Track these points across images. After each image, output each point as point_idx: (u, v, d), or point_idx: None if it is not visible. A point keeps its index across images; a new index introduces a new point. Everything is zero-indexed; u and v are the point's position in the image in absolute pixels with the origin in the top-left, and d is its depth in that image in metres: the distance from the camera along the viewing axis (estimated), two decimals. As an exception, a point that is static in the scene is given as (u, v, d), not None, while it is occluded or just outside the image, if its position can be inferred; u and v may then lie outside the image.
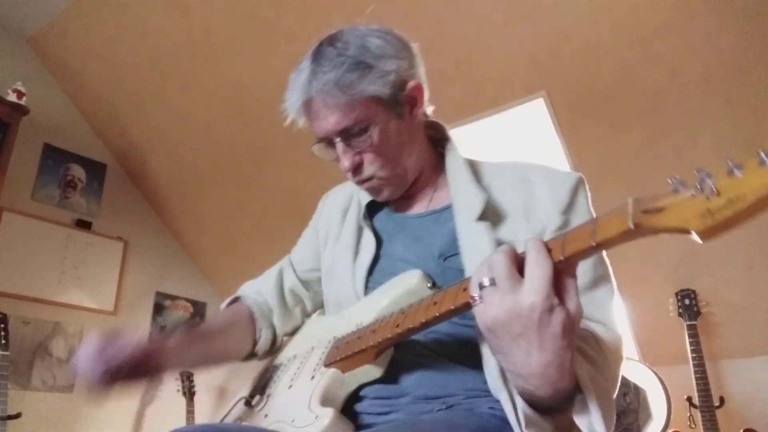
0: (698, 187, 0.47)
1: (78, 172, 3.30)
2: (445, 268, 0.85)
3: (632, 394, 2.53)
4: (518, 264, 0.58)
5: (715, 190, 0.45)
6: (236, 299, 1.09)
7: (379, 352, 0.81)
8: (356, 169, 0.89)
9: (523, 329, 0.55)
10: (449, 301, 0.68)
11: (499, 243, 0.81)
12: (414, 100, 0.91)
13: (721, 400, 2.38)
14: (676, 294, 2.53)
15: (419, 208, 0.97)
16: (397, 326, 0.74)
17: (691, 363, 2.40)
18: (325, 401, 0.78)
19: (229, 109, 2.97)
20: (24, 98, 2.83)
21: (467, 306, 0.65)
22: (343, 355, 0.81)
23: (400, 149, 0.90)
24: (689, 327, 2.46)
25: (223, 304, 1.09)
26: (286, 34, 2.55)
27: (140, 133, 3.32)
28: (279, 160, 3.06)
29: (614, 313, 0.79)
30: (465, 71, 2.40)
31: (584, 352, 0.68)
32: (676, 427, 2.41)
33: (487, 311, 0.57)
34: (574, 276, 0.58)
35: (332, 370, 0.81)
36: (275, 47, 2.61)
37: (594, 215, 0.82)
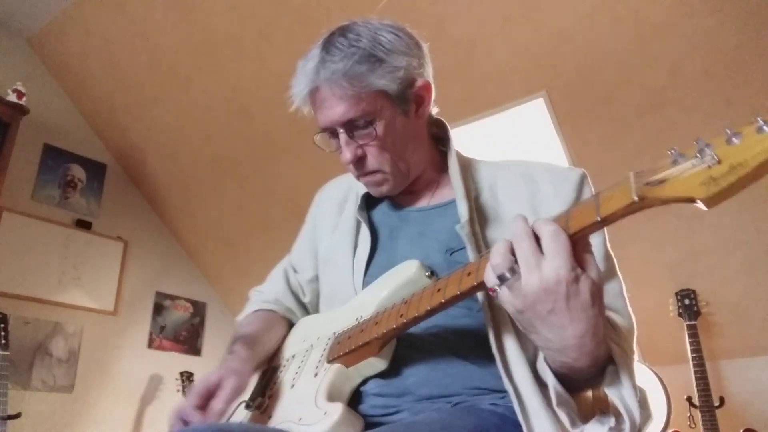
0: (698, 156, 0.48)
1: (78, 172, 3.30)
2: (451, 262, 0.84)
3: (632, 394, 2.53)
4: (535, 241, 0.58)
5: (716, 158, 0.46)
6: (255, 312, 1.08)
7: (383, 344, 0.80)
8: (358, 162, 0.88)
9: (553, 304, 0.56)
10: (454, 287, 0.68)
11: None
12: (422, 99, 0.91)
13: (721, 400, 2.38)
14: (676, 294, 2.53)
15: (421, 202, 0.97)
16: (401, 315, 0.74)
17: (691, 363, 2.39)
18: (331, 397, 0.77)
19: (229, 109, 2.97)
20: (24, 98, 2.83)
21: (473, 290, 0.66)
22: (347, 349, 0.80)
23: (404, 145, 0.90)
24: (689, 327, 2.45)
25: (243, 315, 1.07)
26: (286, 34, 2.55)
27: (140, 133, 3.32)
28: (279, 160, 3.06)
29: (627, 303, 0.81)
30: (465, 71, 2.40)
31: (608, 333, 0.68)
32: (676, 427, 2.41)
33: (515, 295, 0.57)
34: (589, 248, 0.58)
35: (336, 366, 0.81)
36: (275, 47, 2.61)
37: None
